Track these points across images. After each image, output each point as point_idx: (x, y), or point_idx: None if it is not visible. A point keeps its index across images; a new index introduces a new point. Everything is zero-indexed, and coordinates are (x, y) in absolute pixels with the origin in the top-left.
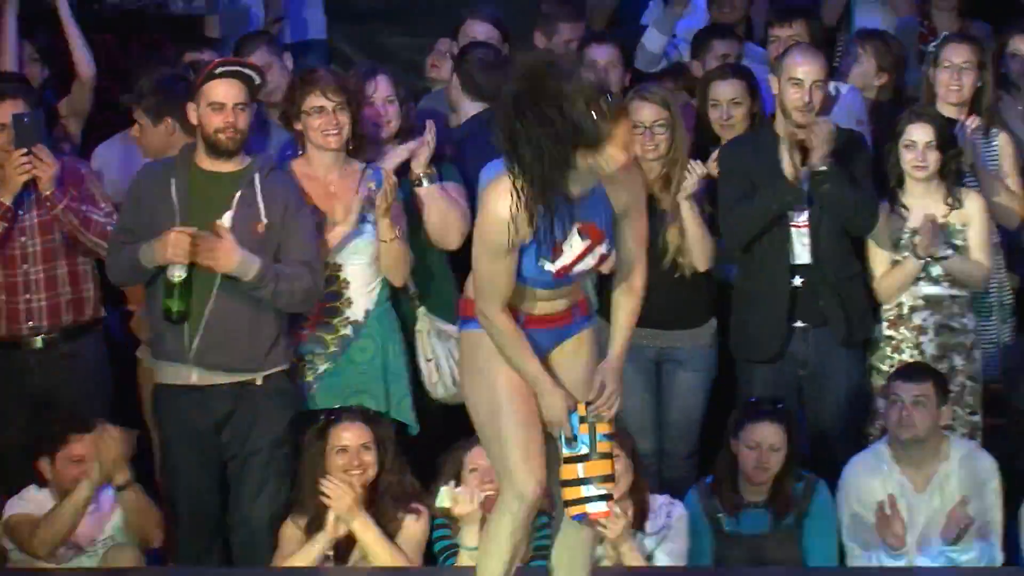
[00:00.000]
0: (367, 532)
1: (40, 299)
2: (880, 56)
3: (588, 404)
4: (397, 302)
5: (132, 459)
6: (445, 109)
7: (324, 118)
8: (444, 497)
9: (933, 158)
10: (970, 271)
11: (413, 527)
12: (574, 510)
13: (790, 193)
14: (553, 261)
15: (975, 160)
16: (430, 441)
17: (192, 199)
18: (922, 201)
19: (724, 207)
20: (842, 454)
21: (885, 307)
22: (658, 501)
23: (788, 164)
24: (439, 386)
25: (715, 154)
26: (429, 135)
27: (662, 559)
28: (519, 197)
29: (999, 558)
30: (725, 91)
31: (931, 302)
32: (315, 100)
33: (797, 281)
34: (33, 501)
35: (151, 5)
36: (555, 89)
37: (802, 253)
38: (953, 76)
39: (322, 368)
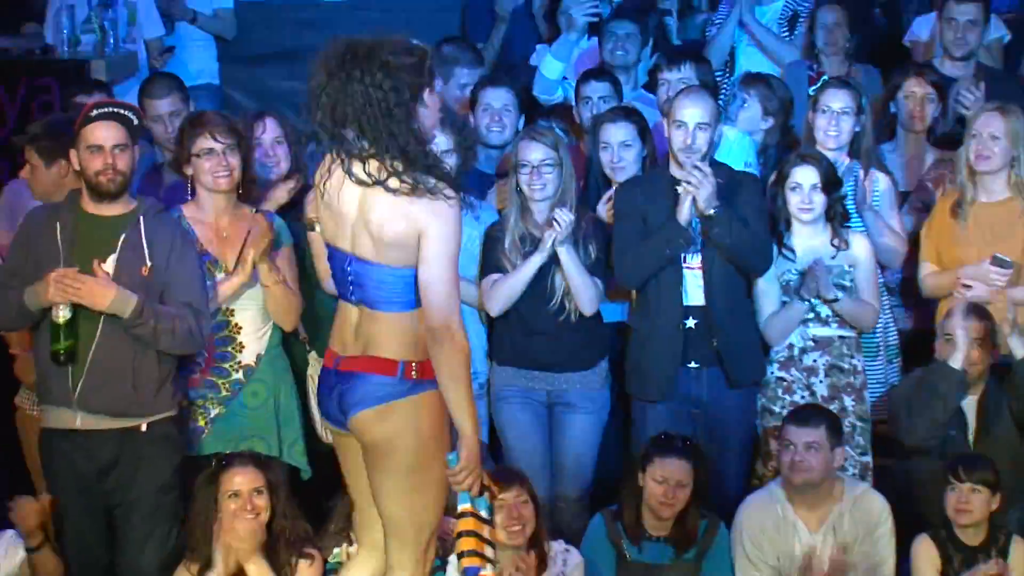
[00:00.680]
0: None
1: None
2: (765, 99)
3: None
4: (288, 345)
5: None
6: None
7: (214, 160)
8: (340, 554)
9: (819, 200)
10: (860, 312)
11: (307, 571)
12: (468, 562)
13: (681, 235)
14: None
15: (860, 202)
16: (322, 485)
17: (78, 242)
18: (809, 243)
19: (618, 248)
20: (734, 493)
21: (775, 348)
22: (554, 548)
23: (683, 208)
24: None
25: (606, 197)
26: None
27: None
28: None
29: None
30: (615, 134)
31: (821, 343)
32: (204, 142)
33: (691, 322)
34: None
35: (37, 50)
36: (368, 49)
37: (696, 294)
38: (831, 121)
39: (214, 412)
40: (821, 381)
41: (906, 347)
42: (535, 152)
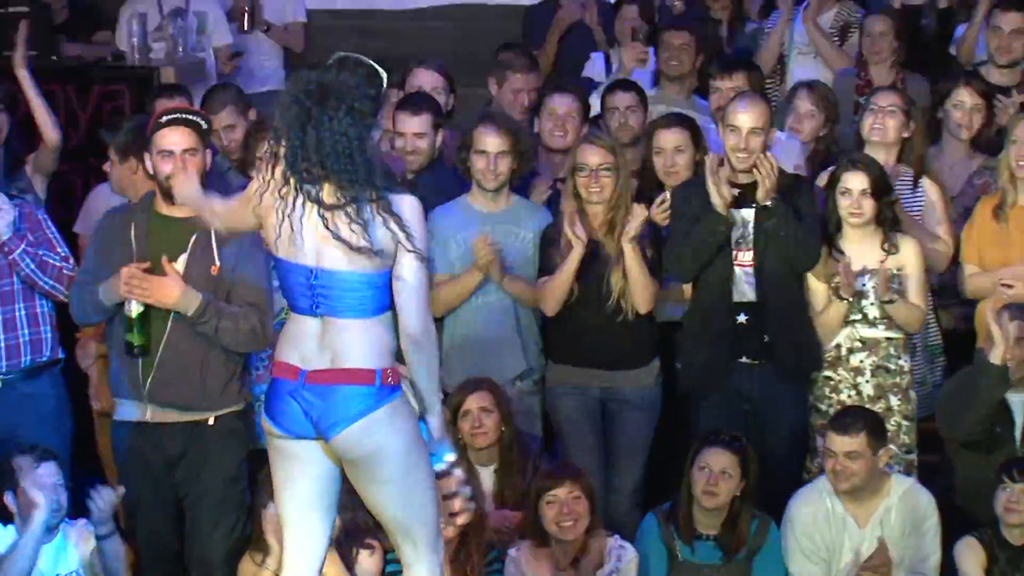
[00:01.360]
0: (327, 567)
1: None
2: (817, 105)
3: None
4: None
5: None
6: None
7: None
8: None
9: (868, 205)
10: (908, 314)
11: (368, 562)
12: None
13: (720, 222)
14: None
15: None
16: None
17: (150, 242)
18: (859, 246)
19: (670, 244)
20: (784, 487)
21: (825, 347)
22: (608, 544)
23: (716, 196)
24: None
25: (659, 200)
26: None
27: None
28: None
29: None
30: (669, 139)
31: (868, 344)
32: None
33: (742, 318)
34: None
35: (108, 57)
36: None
37: (747, 291)
38: (878, 118)
39: None
40: (867, 381)
41: (949, 347)
42: (593, 156)
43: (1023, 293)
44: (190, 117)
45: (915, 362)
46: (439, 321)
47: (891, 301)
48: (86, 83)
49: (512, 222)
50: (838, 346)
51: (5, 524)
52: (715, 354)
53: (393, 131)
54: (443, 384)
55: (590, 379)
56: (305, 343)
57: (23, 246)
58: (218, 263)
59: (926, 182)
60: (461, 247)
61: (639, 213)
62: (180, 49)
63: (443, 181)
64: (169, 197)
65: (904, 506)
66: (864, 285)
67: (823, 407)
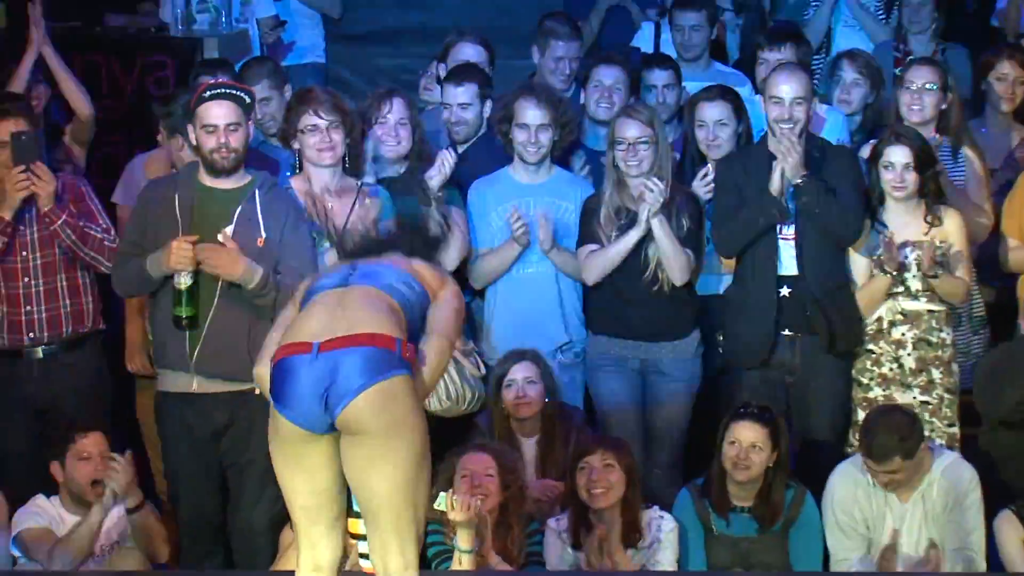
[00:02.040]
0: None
1: (40, 311)
2: (861, 72)
3: None
4: None
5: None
6: (439, 128)
7: (318, 136)
8: (442, 501)
9: (911, 179)
10: (953, 287)
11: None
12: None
13: (775, 206)
14: None
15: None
16: None
17: (194, 213)
18: (903, 219)
19: (716, 219)
20: (826, 460)
21: (866, 321)
22: (647, 515)
23: (775, 179)
24: (433, 399)
25: (701, 173)
26: (447, 166)
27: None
28: None
29: (981, 566)
30: (711, 112)
31: (910, 316)
32: (309, 119)
33: (784, 291)
34: (43, 511)
35: (152, 28)
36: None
37: (790, 264)
38: (914, 97)
39: None
40: (909, 354)
41: (992, 320)
42: (631, 129)
43: None
44: (234, 92)
45: (959, 333)
46: (480, 293)
47: (935, 276)
48: (130, 54)
49: (554, 194)
50: (880, 319)
51: (48, 496)
52: (758, 327)
53: (440, 103)
54: (485, 357)
55: (630, 351)
56: (317, 318)
57: (64, 216)
58: (263, 235)
59: (967, 151)
60: (502, 219)
61: (654, 187)
62: (223, 20)
63: (494, 152)
64: (211, 170)
65: (946, 481)
66: (907, 258)
67: (865, 380)
